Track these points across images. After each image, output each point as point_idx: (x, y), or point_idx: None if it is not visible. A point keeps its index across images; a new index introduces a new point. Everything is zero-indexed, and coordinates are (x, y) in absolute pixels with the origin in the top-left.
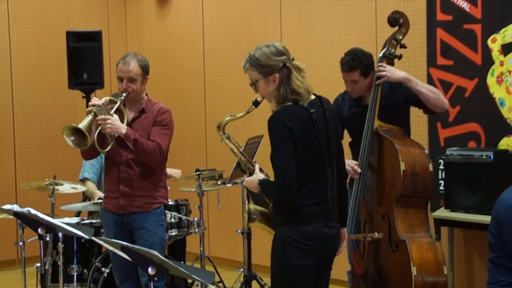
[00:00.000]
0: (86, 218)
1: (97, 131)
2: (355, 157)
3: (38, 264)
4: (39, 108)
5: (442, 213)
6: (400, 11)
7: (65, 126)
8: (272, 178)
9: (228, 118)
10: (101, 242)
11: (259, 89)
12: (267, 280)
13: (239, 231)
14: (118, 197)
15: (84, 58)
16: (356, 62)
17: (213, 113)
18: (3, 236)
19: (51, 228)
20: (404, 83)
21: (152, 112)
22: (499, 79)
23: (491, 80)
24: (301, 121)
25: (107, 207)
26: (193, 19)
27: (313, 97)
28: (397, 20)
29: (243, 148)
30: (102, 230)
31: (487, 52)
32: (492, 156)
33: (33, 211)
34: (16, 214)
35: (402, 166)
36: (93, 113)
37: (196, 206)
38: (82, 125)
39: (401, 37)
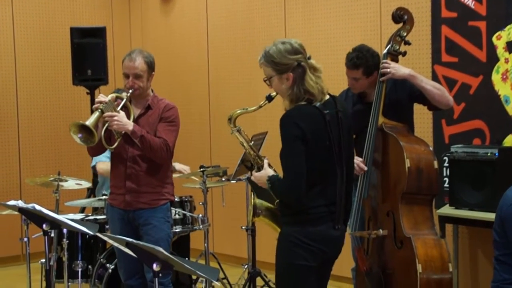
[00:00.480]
0: (90, 214)
1: (104, 127)
2: (359, 154)
3: (43, 260)
4: (43, 104)
5: (447, 210)
6: (404, 8)
7: (72, 124)
8: (280, 175)
9: (239, 111)
10: (105, 238)
11: (273, 85)
12: (271, 276)
13: (243, 227)
14: (125, 193)
15: (88, 54)
16: (360, 60)
17: (217, 109)
18: (7, 232)
19: (56, 224)
20: (409, 80)
21: (158, 109)
22: (504, 76)
23: (496, 77)
24: (314, 121)
25: (113, 203)
26: (197, 15)
27: (327, 97)
28: (402, 16)
29: None
30: (107, 226)
31: (492, 49)
32: (497, 154)
33: (37, 207)
34: (20, 210)
35: (407, 163)
36: (100, 110)
37: (201, 203)
38: (89, 122)
39: (405, 34)
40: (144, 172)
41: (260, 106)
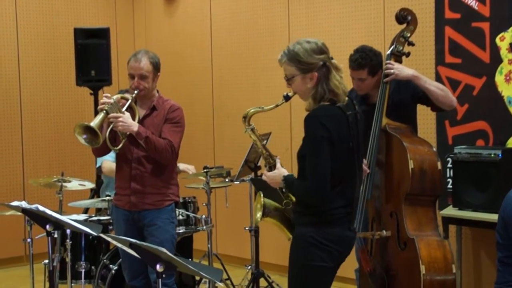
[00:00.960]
0: (94, 215)
1: (109, 128)
2: (363, 155)
3: (46, 261)
4: (47, 104)
5: (450, 211)
6: (408, 8)
7: (77, 125)
8: (291, 173)
9: (253, 110)
10: (109, 239)
11: (294, 85)
12: (275, 277)
13: (247, 228)
14: (130, 194)
15: (91, 55)
16: (365, 60)
17: (221, 110)
18: (11, 233)
19: (59, 225)
20: (413, 80)
21: (164, 110)
22: (508, 78)
23: (499, 79)
24: (339, 122)
25: (118, 204)
26: (201, 16)
27: (346, 99)
28: (405, 17)
29: (251, 146)
30: (110, 227)
31: (495, 50)
32: (500, 155)
33: (41, 208)
34: (24, 210)
35: (411, 164)
36: (104, 111)
37: (204, 204)
38: (94, 123)
39: (409, 35)
40: (149, 173)
41: (277, 105)
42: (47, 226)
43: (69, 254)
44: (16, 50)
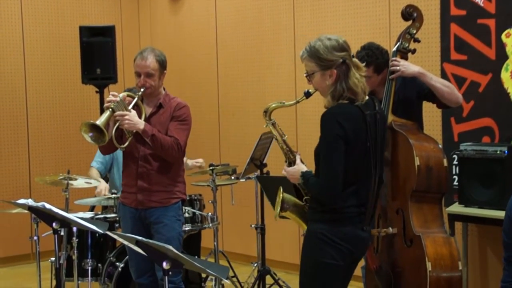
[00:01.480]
0: (100, 212)
1: (115, 126)
2: None
3: (53, 259)
4: (53, 103)
5: (456, 208)
6: (414, 5)
7: (83, 123)
8: (310, 170)
9: (275, 105)
10: (115, 237)
11: (313, 81)
12: (281, 275)
13: (253, 226)
14: (136, 192)
15: (97, 53)
16: (371, 58)
17: (226, 108)
18: (17, 231)
19: (66, 223)
20: (418, 77)
21: (170, 107)
22: None
23: (505, 75)
24: (355, 121)
25: (125, 202)
26: (206, 13)
27: (367, 98)
28: (411, 14)
29: (256, 144)
30: (117, 225)
31: (501, 47)
32: (506, 151)
33: (47, 206)
34: (30, 208)
35: (417, 161)
36: (110, 109)
37: (210, 201)
38: (100, 121)
39: (415, 31)
40: (156, 171)
41: (297, 102)
42: (54, 224)
43: (75, 251)
44: (21, 48)
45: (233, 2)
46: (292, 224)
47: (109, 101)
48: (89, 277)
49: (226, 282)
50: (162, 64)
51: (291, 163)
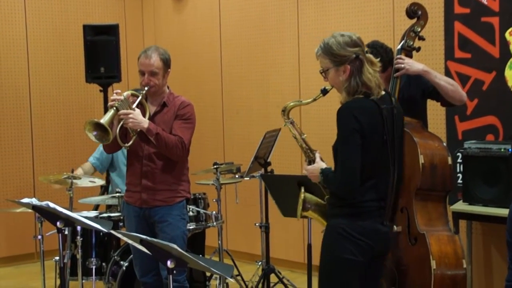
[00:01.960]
0: (104, 211)
1: (119, 125)
2: None
3: (57, 258)
4: (56, 101)
5: (461, 206)
6: (418, 3)
7: (87, 122)
8: (329, 167)
9: (293, 104)
10: (119, 236)
11: (328, 78)
12: (285, 273)
13: (257, 224)
14: (141, 191)
15: (101, 51)
16: (375, 56)
17: (230, 106)
18: (21, 230)
19: (70, 222)
20: (423, 75)
21: (174, 106)
22: None
23: (509, 73)
24: (371, 115)
25: (129, 201)
26: (210, 12)
27: (383, 92)
28: (416, 12)
29: (260, 142)
30: (121, 224)
31: (505, 45)
32: (510, 149)
33: (51, 205)
34: (34, 207)
35: (421, 159)
36: (115, 108)
37: (214, 200)
38: (104, 120)
39: (419, 29)
40: (160, 169)
41: (315, 99)
42: (58, 223)
43: (79, 250)
44: (25, 47)
45: (237, 1)
46: (297, 222)
47: (113, 100)
48: (93, 276)
49: (231, 280)
50: (166, 63)
51: (311, 161)
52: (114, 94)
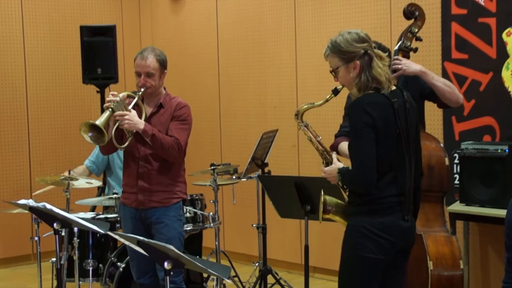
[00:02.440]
0: (101, 213)
1: (115, 126)
2: None
3: (54, 259)
4: (53, 103)
5: (458, 207)
6: (415, 4)
7: (83, 123)
8: (347, 166)
9: (306, 106)
10: (116, 237)
11: (339, 76)
12: (282, 274)
13: (254, 225)
14: (137, 192)
15: (98, 52)
16: None
17: (227, 107)
18: (18, 231)
19: (67, 223)
20: (420, 76)
21: (171, 107)
22: None
23: (506, 74)
24: (383, 109)
25: (126, 202)
26: (207, 13)
27: (394, 87)
28: (413, 12)
29: (257, 143)
30: (118, 225)
31: (502, 45)
32: (507, 150)
33: (48, 206)
34: (31, 209)
35: None
36: (110, 109)
37: (211, 201)
38: (99, 121)
39: (416, 30)
40: (156, 171)
41: (327, 100)
42: (55, 224)
43: (76, 252)
44: (22, 48)
45: (234, 2)
46: (294, 223)
47: (109, 101)
48: (90, 278)
49: (228, 281)
50: (163, 64)
51: (328, 163)
52: (110, 96)
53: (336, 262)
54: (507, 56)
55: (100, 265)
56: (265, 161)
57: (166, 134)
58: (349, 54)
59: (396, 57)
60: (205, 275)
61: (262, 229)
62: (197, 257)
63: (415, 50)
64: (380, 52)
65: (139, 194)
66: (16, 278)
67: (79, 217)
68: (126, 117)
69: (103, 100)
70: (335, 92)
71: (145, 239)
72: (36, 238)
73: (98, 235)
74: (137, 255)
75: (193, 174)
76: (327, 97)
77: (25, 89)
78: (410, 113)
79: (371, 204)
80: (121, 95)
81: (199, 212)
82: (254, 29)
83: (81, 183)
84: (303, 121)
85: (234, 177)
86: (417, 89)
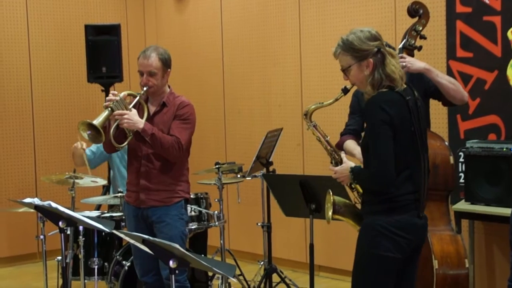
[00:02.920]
0: (106, 211)
1: (114, 125)
2: None
3: (59, 258)
4: (58, 101)
5: (463, 205)
6: (420, 2)
7: (81, 122)
8: (358, 165)
9: (314, 106)
10: (121, 235)
11: (350, 75)
12: (287, 273)
13: (259, 224)
14: (139, 191)
15: (102, 51)
16: None
17: (232, 106)
18: (24, 230)
19: (72, 222)
20: (424, 73)
21: (174, 106)
22: None
23: (511, 72)
24: (398, 106)
25: (128, 201)
26: (212, 12)
27: (404, 85)
28: (417, 10)
29: (262, 142)
30: (123, 224)
31: (507, 44)
32: None
33: (54, 205)
34: (37, 207)
35: None
36: (109, 108)
37: (216, 199)
38: (97, 121)
39: (421, 28)
40: (158, 170)
41: (336, 99)
42: (60, 223)
43: (82, 250)
44: (27, 47)
45: (238, 0)
46: (299, 222)
47: (108, 100)
48: (96, 276)
49: (233, 280)
50: (166, 63)
51: (337, 163)
52: (110, 95)
53: (341, 261)
54: None
55: (106, 264)
56: (270, 160)
57: (168, 132)
58: (362, 52)
59: (400, 55)
60: (210, 273)
61: (267, 228)
62: (202, 255)
63: (420, 48)
64: (391, 50)
65: (140, 192)
66: (22, 276)
67: (84, 215)
68: (126, 116)
69: None
70: (345, 91)
71: (150, 238)
72: (41, 237)
73: (103, 233)
74: (140, 253)
75: (198, 173)
76: (337, 96)
77: (30, 88)
78: (420, 111)
79: (388, 202)
80: (121, 94)
81: (204, 210)
82: (258, 27)
83: (86, 181)
84: (312, 121)
85: (239, 175)
86: (421, 87)
